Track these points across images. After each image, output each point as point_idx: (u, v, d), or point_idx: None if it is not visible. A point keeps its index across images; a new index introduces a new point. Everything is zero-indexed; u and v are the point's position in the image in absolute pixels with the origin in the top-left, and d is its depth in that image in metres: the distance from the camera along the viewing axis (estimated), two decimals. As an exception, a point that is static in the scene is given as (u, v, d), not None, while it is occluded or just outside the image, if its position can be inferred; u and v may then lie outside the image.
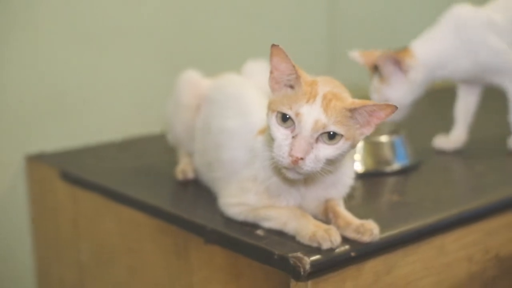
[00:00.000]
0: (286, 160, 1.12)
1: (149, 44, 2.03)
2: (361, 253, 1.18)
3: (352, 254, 1.17)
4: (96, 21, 1.93)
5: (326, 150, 1.13)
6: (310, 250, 1.15)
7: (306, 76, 1.16)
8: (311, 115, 1.11)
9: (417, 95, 1.64)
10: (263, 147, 1.25)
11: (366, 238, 1.18)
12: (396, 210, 1.37)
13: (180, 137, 1.56)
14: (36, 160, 1.81)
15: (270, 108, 1.16)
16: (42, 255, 1.87)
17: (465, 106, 1.75)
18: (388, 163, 1.62)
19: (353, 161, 1.32)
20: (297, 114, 1.12)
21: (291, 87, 1.16)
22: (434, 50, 1.64)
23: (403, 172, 1.61)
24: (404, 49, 1.64)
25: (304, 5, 2.35)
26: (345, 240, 1.18)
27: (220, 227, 1.27)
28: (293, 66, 1.14)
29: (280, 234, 1.21)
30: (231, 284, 1.26)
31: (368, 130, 1.16)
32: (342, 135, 1.12)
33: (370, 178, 1.57)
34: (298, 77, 1.14)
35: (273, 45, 1.14)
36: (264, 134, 1.26)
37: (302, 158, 1.11)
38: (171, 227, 1.37)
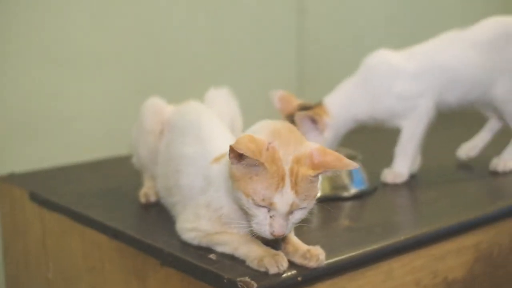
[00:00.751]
0: (268, 236, 1.20)
1: (118, 69, 2.10)
2: (308, 278, 1.23)
3: (299, 279, 1.22)
4: (68, 47, 2.00)
5: (299, 214, 1.21)
6: (258, 274, 1.20)
7: (262, 147, 1.16)
8: (284, 202, 1.16)
9: (332, 147, 1.72)
10: (218, 176, 1.31)
11: (312, 264, 1.23)
12: (346, 235, 1.42)
13: (144, 161, 1.62)
14: (6, 181, 1.86)
15: (239, 188, 1.18)
16: (12, 272, 1.91)
17: None
18: (345, 188, 1.68)
19: None
20: (271, 204, 1.17)
21: (253, 164, 1.17)
22: (345, 104, 1.74)
23: (360, 197, 1.67)
24: (319, 106, 1.73)
25: (274, 26, 2.41)
26: (293, 265, 1.23)
27: (176, 250, 1.32)
28: (255, 160, 1.15)
29: (232, 259, 1.27)
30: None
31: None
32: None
33: (327, 203, 1.62)
34: (260, 164, 1.15)
35: (230, 147, 1.16)
36: (219, 164, 1.31)
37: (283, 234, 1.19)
38: (130, 249, 1.42)
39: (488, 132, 1.93)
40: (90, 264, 1.57)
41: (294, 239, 1.28)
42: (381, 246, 1.36)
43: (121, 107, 2.10)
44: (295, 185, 1.17)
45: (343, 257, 1.30)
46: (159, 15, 2.18)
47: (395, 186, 1.75)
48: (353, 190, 1.68)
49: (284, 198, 1.17)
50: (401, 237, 1.41)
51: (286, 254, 1.25)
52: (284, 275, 1.21)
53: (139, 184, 1.68)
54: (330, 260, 1.27)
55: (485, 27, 1.78)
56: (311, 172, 1.17)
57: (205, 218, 1.31)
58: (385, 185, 1.75)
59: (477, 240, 1.56)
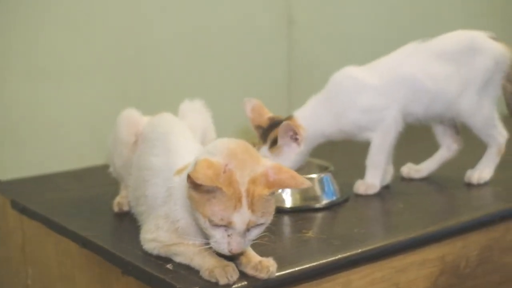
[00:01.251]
0: (227, 254, 1.25)
1: (101, 80, 2.15)
2: (258, 289, 1.27)
3: (250, 289, 1.26)
4: (52, 58, 2.05)
5: (256, 231, 1.26)
6: (209, 285, 1.24)
7: (219, 171, 1.21)
8: (242, 221, 1.22)
9: (301, 162, 1.78)
10: (177, 189, 1.35)
11: (263, 275, 1.27)
12: (306, 246, 1.46)
13: (119, 171, 1.66)
14: (-10, 189, 1.92)
15: (198, 210, 1.24)
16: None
17: None
18: (316, 199, 1.71)
19: None
20: (230, 223, 1.22)
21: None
22: (313, 119, 1.77)
23: (331, 208, 1.70)
24: (290, 118, 1.76)
25: (264, 37, 2.45)
26: (244, 276, 1.27)
27: (136, 260, 1.36)
28: (214, 187, 1.20)
29: (188, 269, 1.30)
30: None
31: None
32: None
33: (297, 214, 1.66)
34: (218, 189, 1.20)
35: (188, 176, 1.22)
36: (180, 177, 1.35)
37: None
38: (97, 257, 1.47)
39: (435, 162, 1.93)
40: (64, 272, 1.62)
41: (248, 250, 1.32)
42: (337, 258, 1.39)
43: (104, 117, 2.12)
44: (251, 204, 1.22)
45: (296, 268, 1.33)
46: (143, 26, 2.22)
47: (367, 197, 1.77)
48: (324, 201, 1.71)
49: (241, 218, 1.22)
50: (358, 249, 1.43)
51: (239, 265, 1.29)
52: (234, 286, 1.25)
53: (117, 193, 1.72)
54: (283, 272, 1.30)
55: (450, 39, 1.81)
56: (266, 192, 1.23)
57: (163, 229, 1.36)
58: (358, 196, 1.78)
59: (442, 252, 1.58)
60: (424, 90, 1.77)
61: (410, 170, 1.93)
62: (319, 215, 1.67)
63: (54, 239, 1.63)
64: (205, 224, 1.24)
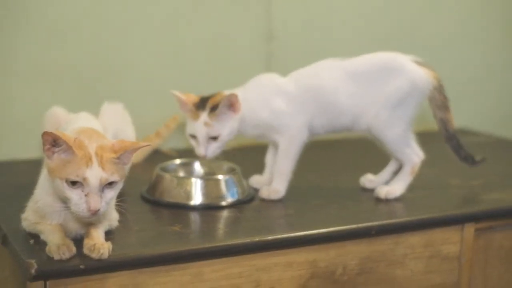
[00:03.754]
0: (86, 214, 1.44)
1: (74, 77, 2.33)
2: (90, 267, 1.44)
3: (82, 266, 1.43)
4: (27, 60, 2.26)
5: (111, 193, 1.46)
6: (47, 260, 1.43)
7: (70, 139, 1.43)
8: (94, 176, 1.41)
9: (235, 133, 1.89)
10: (41, 173, 1.56)
11: (94, 256, 1.45)
12: (160, 237, 1.61)
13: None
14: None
15: (56, 176, 1.43)
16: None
17: (273, 155, 1.98)
18: (222, 197, 1.86)
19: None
20: (84, 179, 1.41)
21: (64, 152, 1.43)
22: None
23: (234, 207, 1.84)
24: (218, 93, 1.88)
25: (243, 52, 2.56)
26: (81, 255, 1.45)
27: (12, 233, 1.57)
28: (64, 142, 1.41)
29: (44, 245, 1.49)
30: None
31: (129, 163, 1.50)
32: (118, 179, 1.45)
33: (204, 211, 1.81)
34: (69, 148, 1.42)
35: (44, 133, 1.42)
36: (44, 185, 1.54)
37: (99, 209, 1.43)
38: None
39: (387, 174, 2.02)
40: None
41: (94, 233, 1.50)
42: (185, 249, 1.55)
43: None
44: (101, 163, 1.42)
45: (131, 254, 1.50)
46: (119, 39, 2.38)
47: (269, 201, 1.89)
48: (228, 200, 1.85)
49: (94, 173, 1.41)
50: (206, 244, 1.58)
51: (84, 245, 1.47)
52: (70, 262, 1.43)
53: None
54: (116, 256, 1.47)
55: (369, 59, 1.89)
56: (114, 155, 1.43)
57: (31, 209, 1.56)
58: (262, 199, 1.90)
59: (313, 257, 1.68)
60: (331, 103, 1.87)
61: (367, 181, 2.03)
62: (212, 213, 1.80)
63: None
64: (64, 187, 1.42)
